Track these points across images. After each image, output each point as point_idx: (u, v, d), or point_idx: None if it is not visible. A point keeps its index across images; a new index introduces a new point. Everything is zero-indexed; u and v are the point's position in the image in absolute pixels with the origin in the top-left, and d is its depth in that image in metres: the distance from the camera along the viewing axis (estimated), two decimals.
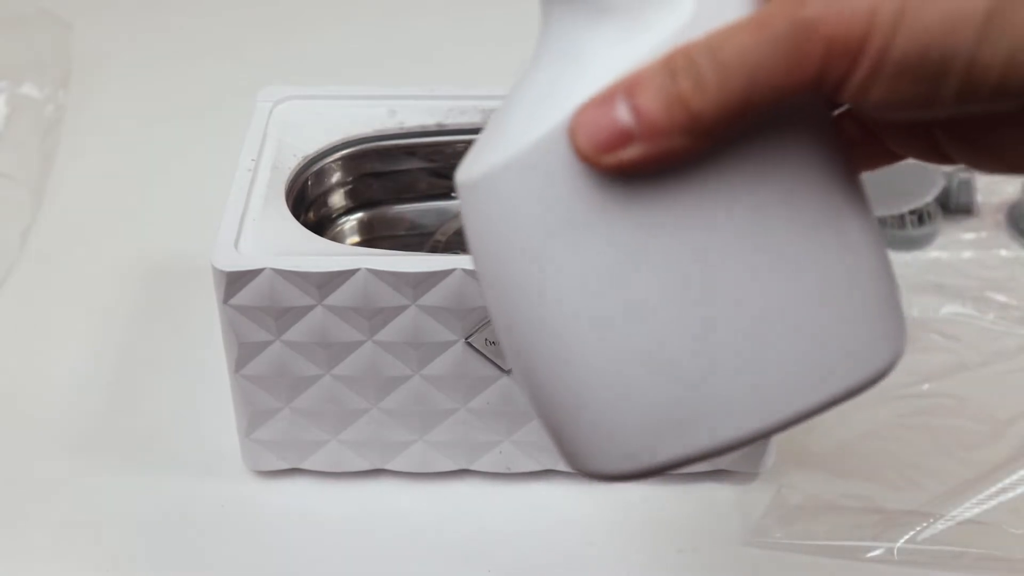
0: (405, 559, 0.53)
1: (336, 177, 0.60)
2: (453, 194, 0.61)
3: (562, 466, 0.55)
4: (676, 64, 0.29)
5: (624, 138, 0.29)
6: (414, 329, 0.50)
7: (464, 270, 0.49)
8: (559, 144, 0.30)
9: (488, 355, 0.51)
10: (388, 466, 0.55)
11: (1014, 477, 0.56)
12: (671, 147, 0.29)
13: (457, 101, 0.60)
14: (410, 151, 0.60)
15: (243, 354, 0.51)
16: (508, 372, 0.52)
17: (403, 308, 0.50)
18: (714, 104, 0.29)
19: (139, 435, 0.58)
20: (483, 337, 0.51)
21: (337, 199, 0.60)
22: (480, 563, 0.53)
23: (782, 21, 0.29)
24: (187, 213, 0.70)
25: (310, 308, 0.50)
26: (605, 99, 0.30)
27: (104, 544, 0.53)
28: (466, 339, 0.51)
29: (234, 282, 0.49)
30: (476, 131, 0.59)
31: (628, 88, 0.30)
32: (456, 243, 0.60)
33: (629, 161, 0.29)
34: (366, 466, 0.55)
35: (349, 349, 0.51)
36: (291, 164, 0.55)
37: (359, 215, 0.61)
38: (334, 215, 0.61)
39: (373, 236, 0.62)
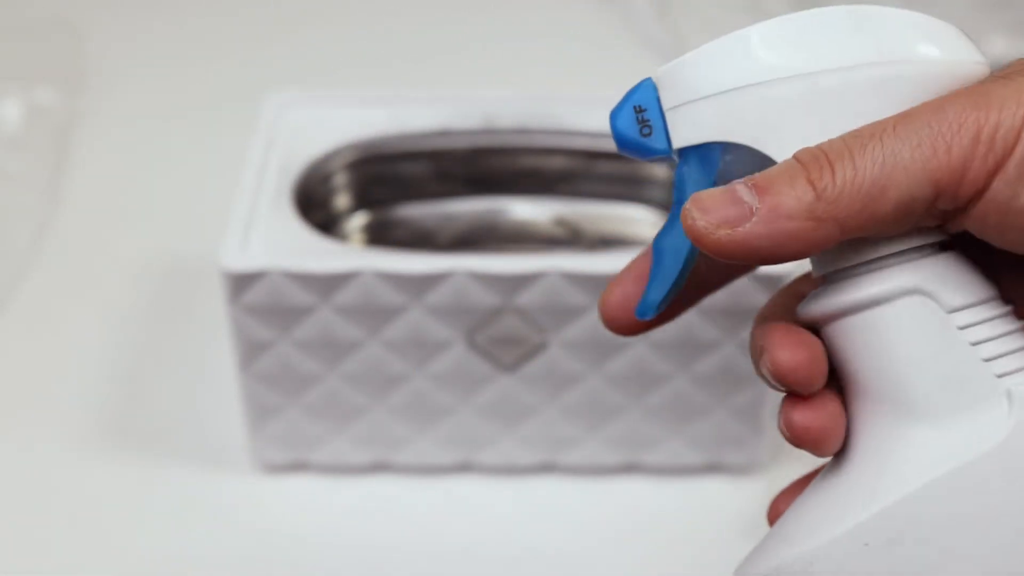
0: (407, 553, 0.53)
1: (341, 179, 0.60)
2: (456, 195, 0.62)
3: (561, 462, 0.56)
4: (805, 155, 0.28)
5: (743, 214, 0.27)
6: (417, 328, 0.51)
7: (467, 271, 0.50)
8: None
9: (489, 354, 0.52)
10: (391, 461, 0.56)
11: None
12: (793, 228, 0.27)
13: (461, 103, 0.60)
14: (414, 153, 0.61)
15: (250, 353, 0.52)
16: (508, 370, 0.53)
17: (407, 308, 0.51)
18: (841, 189, 0.27)
19: (146, 432, 0.59)
20: (484, 336, 0.52)
21: (342, 201, 0.61)
22: (480, 555, 0.53)
23: (926, 114, 0.27)
24: (196, 214, 0.71)
25: (316, 308, 0.51)
26: (727, 186, 0.28)
27: (111, 538, 0.54)
28: (468, 338, 0.52)
29: (241, 283, 0.50)
30: (479, 132, 0.60)
31: (752, 178, 0.28)
32: (459, 244, 0.61)
33: (744, 237, 0.27)
34: (369, 462, 0.56)
35: (353, 348, 0.52)
36: (297, 166, 0.56)
37: (364, 216, 0.62)
38: (339, 216, 0.62)
39: (378, 237, 0.62)
